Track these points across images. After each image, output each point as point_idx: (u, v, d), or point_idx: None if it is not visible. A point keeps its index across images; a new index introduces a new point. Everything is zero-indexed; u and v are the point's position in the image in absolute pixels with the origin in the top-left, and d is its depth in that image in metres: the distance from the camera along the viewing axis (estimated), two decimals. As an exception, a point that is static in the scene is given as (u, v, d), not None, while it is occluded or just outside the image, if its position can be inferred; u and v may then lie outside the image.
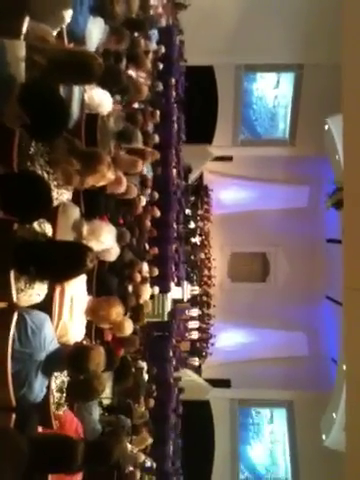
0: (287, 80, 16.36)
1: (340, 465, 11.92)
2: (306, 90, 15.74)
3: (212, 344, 16.75)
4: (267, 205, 17.77)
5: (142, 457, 6.26)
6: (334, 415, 13.22)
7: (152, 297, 7.59)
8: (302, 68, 15.57)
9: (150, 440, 7.01)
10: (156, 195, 8.00)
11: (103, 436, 4.23)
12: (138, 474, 5.95)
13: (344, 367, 11.37)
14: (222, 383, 16.72)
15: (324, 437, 14.00)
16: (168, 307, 10.81)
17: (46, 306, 2.82)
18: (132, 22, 5.08)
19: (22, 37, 2.42)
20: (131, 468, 5.72)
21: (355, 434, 9.78)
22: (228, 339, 17.55)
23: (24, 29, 2.43)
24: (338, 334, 13.39)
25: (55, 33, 2.96)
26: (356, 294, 9.14)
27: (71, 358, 2.74)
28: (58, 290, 2.97)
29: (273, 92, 16.77)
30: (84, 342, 3.32)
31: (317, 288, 17.02)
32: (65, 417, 3.26)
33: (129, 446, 5.69)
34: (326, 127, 13.90)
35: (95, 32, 3.89)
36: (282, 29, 13.87)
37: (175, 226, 11.11)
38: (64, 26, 3.10)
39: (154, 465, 8.31)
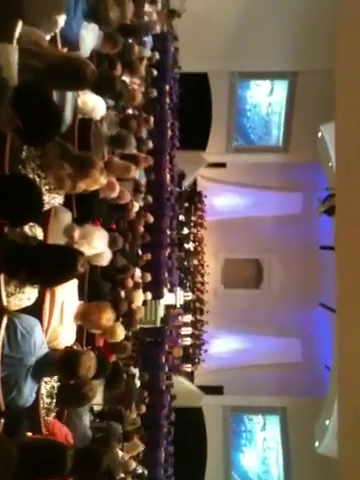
0: (281, 88, 16.48)
1: (333, 472, 11.92)
2: (300, 98, 15.86)
3: (205, 351, 16.72)
4: (261, 212, 17.83)
5: (133, 464, 6.22)
6: (327, 422, 13.23)
7: (145, 303, 7.57)
8: (296, 76, 15.70)
9: (142, 447, 6.98)
10: (150, 199, 8.00)
11: (93, 443, 4.20)
12: (129, 481, 5.91)
13: (337, 374, 11.39)
14: (215, 390, 16.66)
15: (317, 444, 13.99)
16: (161, 313, 10.79)
17: (36, 310, 2.81)
18: (126, 28, 5.10)
19: (15, 41, 2.42)
20: (122, 475, 5.68)
21: (347, 441, 9.79)
22: (221, 345, 17.52)
23: (17, 33, 2.43)
24: (332, 341, 13.42)
25: (48, 38, 2.97)
26: (349, 300, 9.19)
27: (61, 363, 2.73)
28: (48, 294, 2.96)
29: (267, 99, 16.88)
30: (74, 347, 3.30)
31: (311, 295, 17.05)
32: (53, 426, 3.23)
33: (120, 453, 5.65)
34: (319, 134, 14.02)
35: (89, 37, 3.90)
36: (276, 37, 13.98)
37: (168, 232, 11.12)
38: (58, 31, 3.10)
39: (145, 472, 8.25)
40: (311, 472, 14.73)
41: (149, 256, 8.55)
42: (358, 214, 8.88)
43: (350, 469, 9.64)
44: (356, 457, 9.20)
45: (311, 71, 14.89)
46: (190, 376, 16.50)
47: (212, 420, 16.37)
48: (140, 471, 7.77)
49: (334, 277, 10.41)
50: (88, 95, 3.75)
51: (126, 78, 5.41)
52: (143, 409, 7.61)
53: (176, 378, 14.77)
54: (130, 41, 5.59)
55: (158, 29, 8.67)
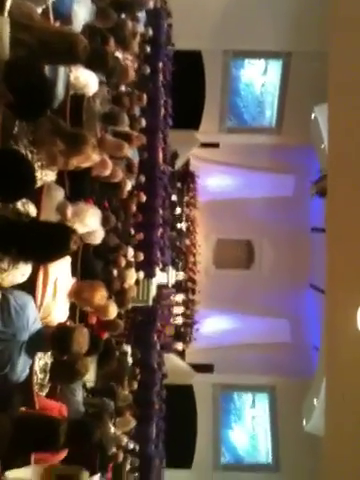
0: (275, 68, 16.31)
1: (319, 449, 12.20)
2: (294, 78, 15.72)
3: (196, 329, 16.88)
4: (253, 193, 17.83)
5: (125, 439, 6.32)
6: (315, 401, 13.46)
7: (137, 282, 7.59)
8: (290, 56, 15.53)
9: (133, 423, 7.08)
10: (143, 178, 7.96)
11: (86, 417, 4.26)
12: (121, 456, 6.02)
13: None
14: (205, 368, 16.87)
15: (305, 422, 14.27)
16: (153, 292, 10.83)
17: (29, 287, 2.82)
18: (119, 3, 5.02)
19: (6, 13, 2.38)
20: (114, 450, 5.77)
21: (334, 420, 9.99)
22: (212, 325, 17.69)
23: (8, 5, 2.38)
24: (320, 322, 13.59)
25: (40, 11, 2.92)
26: (338, 282, 9.27)
27: (54, 338, 2.75)
28: (42, 271, 2.97)
29: (261, 79, 16.71)
30: (67, 323, 3.33)
31: (301, 276, 17.20)
32: (45, 404, 3.27)
33: (112, 428, 5.74)
34: (313, 116, 13.94)
35: (81, 12, 3.83)
36: (271, 16, 13.80)
37: (161, 211, 11.09)
38: (49, 4, 3.05)
39: (137, 447, 8.40)
40: (298, 449, 15.06)
41: (141, 235, 8.55)
42: (349, 196, 8.90)
43: (335, 448, 9.86)
44: (341, 436, 9.40)
45: (305, 52, 14.75)
46: (181, 354, 16.67)
47: (202, 398, 16.61)
48: (131, 446, 7.91)
49: (324, 259, 10.49)
50: (81, 70, 3.69)
51: (119, 54, 5.34)
52: (135, 386, 7.70)
53: (167, 356, 14.93)
54: (123, 16, 5.49)
55: (151, 5, 8.51)
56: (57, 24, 3.33)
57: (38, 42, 2.50)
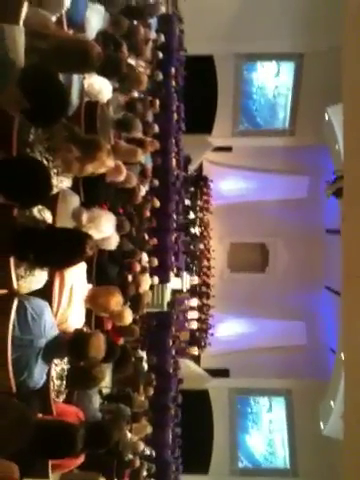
0: (287, 69, 16.26)
1: (338, 453, 12.04)
2: (306, 80, 15.65)
3: (211, 334, 16.82)
4: (267, 195, 17.76)
5: (141, 445, 6.30)
6: (332, 403, 13.32)
7: (152, 287, 7.60)
8: (302, 57, 15.47)
9: (149, 429, 7.06)
10: (156, 182, 7.96)
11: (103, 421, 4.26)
12: (137, 462, 6.00)
13: (342, 356, 11.43)
14: (221, 372, 16.81)
15: (322, 425, 14.11)
16: (167, 297, 10.84)
17: (45, 293, 2.83)
18: (131, 9, 5.05)
19: (21, 22, 2.40)
20: (130, 456, 5.76)
21: (353, 422, 9.86)
22: (227, 329, 17.62)
23: (23, 14, 2.41)
24: (336, 324, 13.46)
25: (54, 19, 2.94)
26: (354, 282, 9.18)
27: (71, 344, 2.75)
28: (58, 278, 2.98)
29: (273, 81, 16.67)
30: (84, 329, 3.33)
31: (316, 278, 17.07)
32: (63, 409, 3.27)
33: (129, 434, 5.73)
34: (326, 117, 13.86)
35: (94, 19, 3.86)
36: (282, 17, 13.78)
37: (175, 216, 11.09)
38: (63, 12, 3.08)
39: (153, 453, 8.37)
40: (316, 453, 14.90)
41: (155, 241, 8.56)
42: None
43: (355, 450, 9.73)
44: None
45: (317, 53, 14.68)
46: (197, 359, 16.63)
47: (218, 402, 16.54)
48: (148, 452, 7.88)
49: (339, 261, 10.39)
50: (94, 77, 3.72)
51: (132, 60, 5.36)
52: (151, 392, 7.68)
53: (183, 361, 14.90)
54: (135, 23, 5.52)
55: (163, 11, 8.57)
56: (71, 32, 3.35)
57: (52, 49, 2.52)
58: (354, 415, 9.70)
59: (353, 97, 9.68)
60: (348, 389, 10.25)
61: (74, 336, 2.84)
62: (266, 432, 17.48)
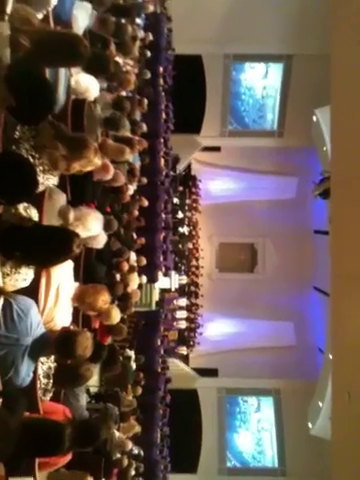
0: (276, 71, 16.34)
1: (326, 452, 12.12)
2: (295, 81, 15.75)
3: (200, 333, 16.85)
4: (255, 196, 17.82)
5: (129, 445, 6.29)
6: (320, 404, 13.40)
7: (140, 286, 7.60)
8: (291, 59, 15.56)
9: (138, 428, 7.07)
10: (145, 181, 7.96)
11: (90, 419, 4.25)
12: (126, 461, 5.99)
13: (330, 356, 11.51)
14: (209, 372, 16.83)
15: (310, 425, 14.19)
16: (156, 296, 10.83)
17: (32, 291, 2.82)
18: (119, 8, 5.05)
19: (6, 18, 2.39)
20: (119, 455, 5.75)
21: (340, 422, 9.94)
22: (216, 329, 17.65)
23: (8, 10, 2.39)
24: (325, 324, 13.54)
25: (40, 16, 2.93)
26: (342, 282, 9.26)
27: (58, 343, 2.74)
28: (44, 276, 2.96)
29: (262, 83, 16.74)
30: (71, 327, 3.31)
31: (305, 279, 17.16)
32: (50, 407, 3.26)
33: (117, 433, 5.72)
34: (314, 118, 13.95)
35: (81, 17, 3.85)
36: (271, 19, 13.83)
37: (163, 216, 11.09)
38: (50, 9, 3.06)
39: (141, 453, 8.36)
40: (305, 453, 14.98)
41: (143, 240, 8.55)
42: (352, 198, 8.90)
43: (343, 450, 9.80)
44: (349, 438, 9.35)
45: (306, 55, 14.78)
46: (185, 359, 16.64)
47: (207, 402, 16.56)
48: (136, 452, 7.87)
49: (328, 261, 10.47)
50: (81, 75, 3.70)
51: (119, 59, 5.36)
52: (139, 391, 7.69)
53: (172, 361, 14.89)
54: (123, 21, 5.51)
55: (151, 9, 8.56)
56: (57, 29, 3.33)
57: (37, 44, 2.49)
58: (341, 414, 9.78)
59: (340, 99, 9.77)
60: (335, 388, 10.33)
61: (61, 334, 2.83)
62: (255, 432, 17.55)
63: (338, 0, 10.11)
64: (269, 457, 17.21)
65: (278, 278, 17.45)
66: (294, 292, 17.17)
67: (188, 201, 16.94)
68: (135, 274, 6.30)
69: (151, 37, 8.53)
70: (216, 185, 17.96)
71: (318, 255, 15.62)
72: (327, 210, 12.52)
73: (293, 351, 16.84)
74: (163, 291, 13.00)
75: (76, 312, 3.68)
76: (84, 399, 4.40)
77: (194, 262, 17.35)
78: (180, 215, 16.34)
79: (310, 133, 14.60)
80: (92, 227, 3.51)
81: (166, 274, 12.69)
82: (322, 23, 11.85)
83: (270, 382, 16.77)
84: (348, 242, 9.20)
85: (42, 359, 2.99)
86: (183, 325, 16.16)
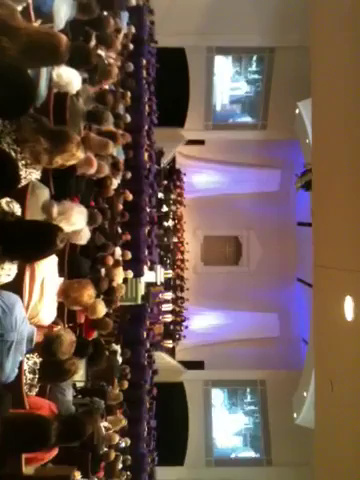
0: (258, 63, 16.36)
1: (310, 442, 12.29)
2: (277, 74, 15.80)
3: (186, 327, 16.91)
4: (239, 189, 17.90)
5: (117, 438, 6.31)
6: (304, 394, 13.56)
7: (125, 281, 7.59)
8: (273, 52, 15.59)
9: (124, 421, 7.08)
10: (129, 175, 7.92)
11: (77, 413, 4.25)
12: (113, 454, 6.01)
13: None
14: (196, 365, 16.94)
15: (295, 415, 14.38)
16: (141, 290, 10.84)
17: (16, 287, 2.80)
18: (102, 0, 4.98)
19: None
20: (106, 449, 5.77)
21: (324, 411, 10.08)
22: (201, 322, 17.74)
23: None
24: (309, 315, 13.69)
25: (20, 8, 2.88)
26: (324, 272, 9.36)
27: (42, 347, 2.74)
28: (28, 271, 2.94)
29: (244, 75, 16.74)
30: (54, 329, 3.28)
31: (289, 270, 17.32)
32: (35, 403, 3.25)
33: (103, 427, 5.73)
34: (297, 111, 14.02)
35: (63, 9, 3.78)
36: (254, 12, 13.84)
37: (148, 210, 11.07)
38: (30, 1, 3.02)
39: (128, 444, 8.39)
40: (289, 442, 15.19)
41: (128, 235, 8.53)
42: (333, 189, 8.98)
43: (326, 439, 9.95)
44: (332, 428, 9.49)
45: (288, 47, 14.82)
46: (171, 352, 16.71)
47: (193, 394, 16.67)
48: (123, 445, 7.90)
49: (311, 252, 10.56)
50: (63, 68, 3.65)
51: (102, 52, 5.31)
52: (125, 385, 7.70)
53: (158, 354, 14.93)
54: (105, 14, 5.46)
55: (134, 2, 8.50)
56: (38, 22, 3.29)
57: (20, 45, 2.46)
58: (324, 404, 9.91)
59: (321, 91, 9.83)
60: (318, 378, 10.46)
61: (44, 340, 2.83)
62: (241, 423, 17.72)
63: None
64: (255, 448, 17.41)
65: (262, 270, 17.59)
66: (278, 284, 17.33)
67: (173, 195, 16.94)
68: (120, 268, 6.29)
69: (134, 30, 8.47)
70: (200, 178, 17.99)
71: (302, 247, 15.77)
72: (310, 202, 12.62)
73: (278, 342, 17.02)
74: (149, 285, 13.01)
75: (61, 307, 3.67)
76: (70, 394, 4.39)
77: (179, 256, 17.40)
78: (165, 209, 16.34)
79: (293, 126, 14.67)
80: (76, 221, 3.49)
81: (151, 268, 12.70)
82: (303, 15, 11.88)
83: (256, 373, 16.94)
84: (329, 232, 9.30)
85: (28, 354, 2.98)
86: (169, 319, 16.21)
